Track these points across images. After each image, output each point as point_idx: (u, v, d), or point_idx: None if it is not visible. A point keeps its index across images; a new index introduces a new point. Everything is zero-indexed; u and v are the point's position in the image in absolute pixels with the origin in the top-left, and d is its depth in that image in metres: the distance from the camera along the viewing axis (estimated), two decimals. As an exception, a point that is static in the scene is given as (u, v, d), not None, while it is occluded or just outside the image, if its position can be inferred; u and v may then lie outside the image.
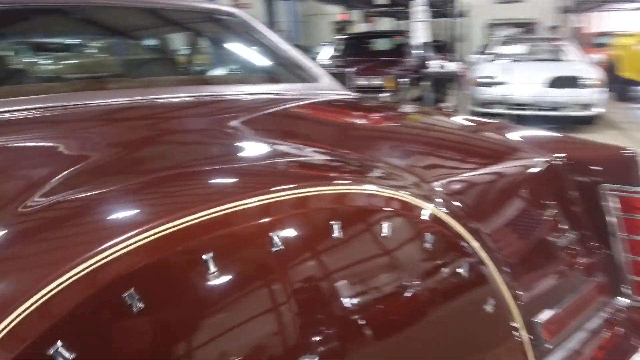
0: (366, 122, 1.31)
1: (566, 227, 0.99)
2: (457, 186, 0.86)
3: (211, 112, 1.22)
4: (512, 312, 0.74)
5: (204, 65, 2.38)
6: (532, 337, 0.79)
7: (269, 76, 1.81)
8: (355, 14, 15.79)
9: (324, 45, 10.11)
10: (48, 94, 1.16)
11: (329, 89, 1.56)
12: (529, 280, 0.86)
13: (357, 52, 8.79)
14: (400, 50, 8.65)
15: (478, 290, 0.70)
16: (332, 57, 8.76)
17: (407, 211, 0.66)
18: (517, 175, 1.00)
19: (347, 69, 6.97)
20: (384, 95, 6.94)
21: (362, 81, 7.18)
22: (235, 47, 2.08)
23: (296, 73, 1.64)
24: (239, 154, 0.85)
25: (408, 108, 1.47)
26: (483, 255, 0.71)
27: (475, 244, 0.71)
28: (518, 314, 0.75)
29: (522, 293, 0.81)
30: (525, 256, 0.89)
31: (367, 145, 1.03)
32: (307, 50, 13.28)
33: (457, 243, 0.69)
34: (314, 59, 11.07)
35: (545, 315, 0.85)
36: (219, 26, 1.96)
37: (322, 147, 0.86)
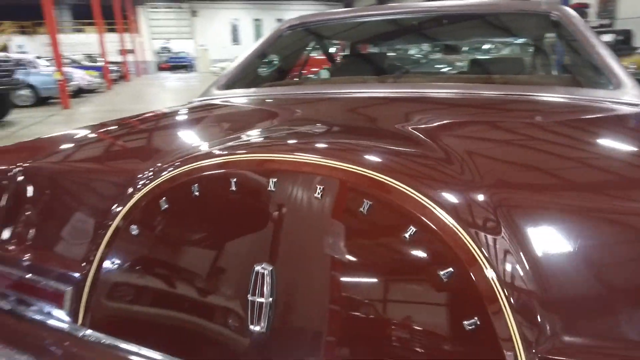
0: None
1: None
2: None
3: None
4: None
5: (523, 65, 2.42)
6: None
7: (566, 79, 1.76)
8: None
9: None
10: (454, 83, 1.59)
11: (631, 100, 1.31)
12: None
13: None
14: None
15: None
16: None
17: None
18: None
19: None
20: None
21: None
22: (550, 47, 2.13)
23: (598, 77, 1.48)
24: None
25: None
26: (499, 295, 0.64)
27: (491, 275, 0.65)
28: None
29: None
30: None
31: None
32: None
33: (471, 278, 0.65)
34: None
35: None
36: (537, 24, 2.09)
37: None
